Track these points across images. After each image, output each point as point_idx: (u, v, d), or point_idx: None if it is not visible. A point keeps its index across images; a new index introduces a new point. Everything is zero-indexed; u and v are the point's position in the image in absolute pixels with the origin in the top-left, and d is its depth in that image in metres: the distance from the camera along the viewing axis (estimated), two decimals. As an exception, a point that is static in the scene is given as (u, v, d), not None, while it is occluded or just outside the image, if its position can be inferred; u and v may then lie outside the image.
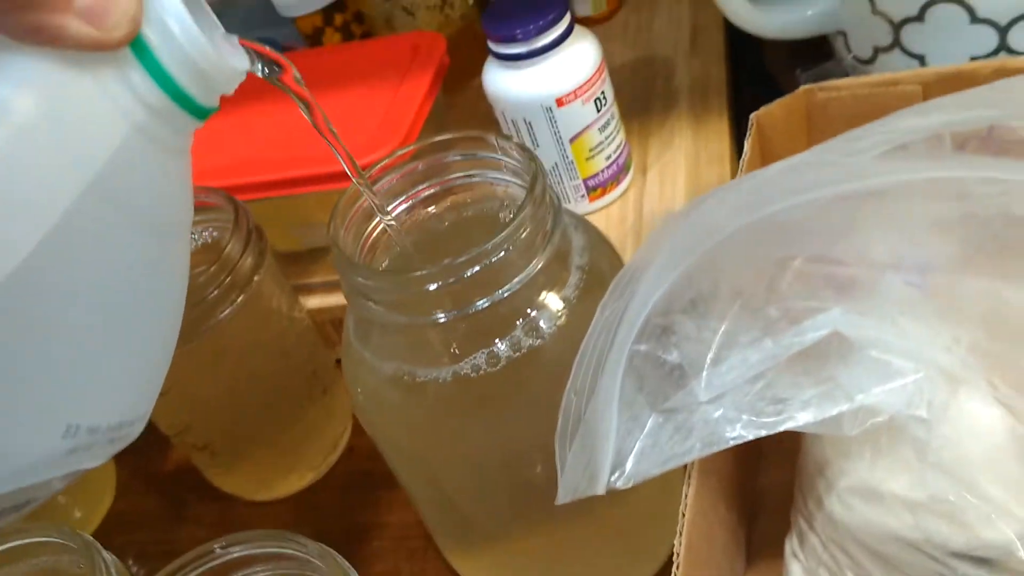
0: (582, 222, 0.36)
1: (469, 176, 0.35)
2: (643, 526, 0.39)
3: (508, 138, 0.33)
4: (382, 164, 0.34)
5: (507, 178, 0.35)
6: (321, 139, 0.50)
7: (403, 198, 0.35)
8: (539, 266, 0.31)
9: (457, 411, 0.33)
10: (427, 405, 0.33)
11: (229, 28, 0.27)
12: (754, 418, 0.29)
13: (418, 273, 0.30)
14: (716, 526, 0.35)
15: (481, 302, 0.31)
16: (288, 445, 0.49)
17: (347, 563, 0.31)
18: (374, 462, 0.50)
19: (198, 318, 0.42)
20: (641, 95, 0.60)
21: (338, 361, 0.52)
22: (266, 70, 0.28)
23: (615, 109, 0.52)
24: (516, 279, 0.31)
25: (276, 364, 0.47)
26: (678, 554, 0.30)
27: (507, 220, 0.31)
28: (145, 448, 0.56)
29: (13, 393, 0.23)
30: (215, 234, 0.47)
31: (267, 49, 0.28)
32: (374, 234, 0.34)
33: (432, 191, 0.35)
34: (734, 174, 0.52)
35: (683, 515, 0.31)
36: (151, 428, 0.51)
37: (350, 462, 0.51)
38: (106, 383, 0.26)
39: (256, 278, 0.44)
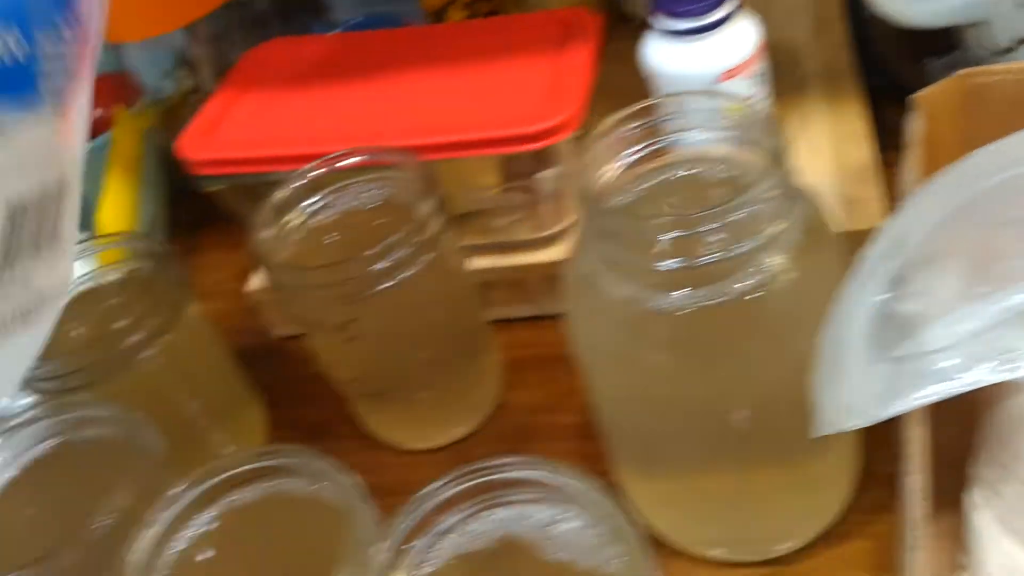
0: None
1: (690, 135, 0.37)
2: (827, 481, 0.41)
3: (743, 101, 0.35)
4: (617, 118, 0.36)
5: (729, 138, 0.37)
6: (485, 103, 0.52)
7: (632, 150, 0.37)
8: (781, 228, 0.33)
9: (681, 349, 0.35)
10: (654, 342, 0.35)
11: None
12: (989, 364, 0.32)
13: (660, 220, 0.32)
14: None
15: (714, 255, 0.33)
16: (452, 396, 0.51)
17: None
18: (528, 416, 0.53)
19: (392, 269, 0.44)
20: (772, 79, 0.62)
21: (489, 322, 0.54)
22: None
23: (769, 88, 0.54)
24: (751, 239, 0.33)
25: (449, 319, 0.49)
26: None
27: (749, 183, 0.33)
28: (292, 401, 0.58)
29: None
30: (392, 191, 0.49)
31: None
32: (605, 177, 0.36)
33: (655, 148, 0.37)
34: (877, 153, 0.55)
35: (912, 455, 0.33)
36: (298, 380, 0.53)
37: (503, 418, 0.53)
38: None
39: (443, 237, 0.46)
